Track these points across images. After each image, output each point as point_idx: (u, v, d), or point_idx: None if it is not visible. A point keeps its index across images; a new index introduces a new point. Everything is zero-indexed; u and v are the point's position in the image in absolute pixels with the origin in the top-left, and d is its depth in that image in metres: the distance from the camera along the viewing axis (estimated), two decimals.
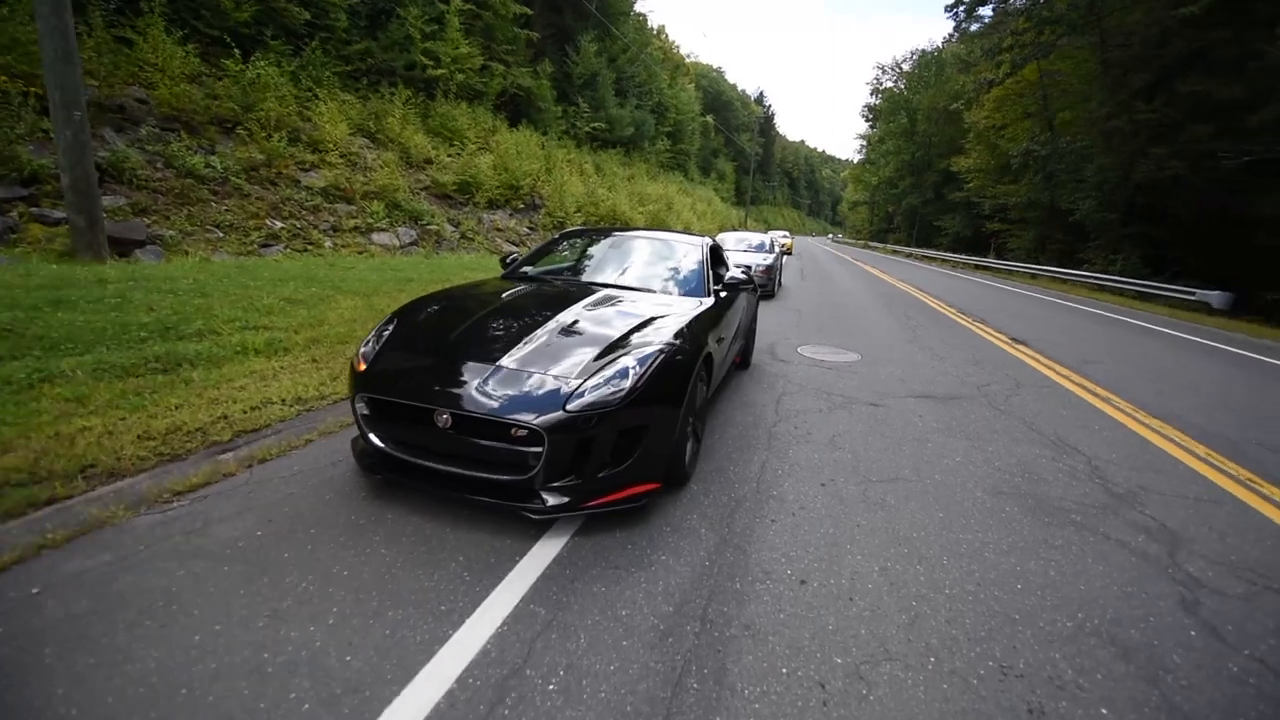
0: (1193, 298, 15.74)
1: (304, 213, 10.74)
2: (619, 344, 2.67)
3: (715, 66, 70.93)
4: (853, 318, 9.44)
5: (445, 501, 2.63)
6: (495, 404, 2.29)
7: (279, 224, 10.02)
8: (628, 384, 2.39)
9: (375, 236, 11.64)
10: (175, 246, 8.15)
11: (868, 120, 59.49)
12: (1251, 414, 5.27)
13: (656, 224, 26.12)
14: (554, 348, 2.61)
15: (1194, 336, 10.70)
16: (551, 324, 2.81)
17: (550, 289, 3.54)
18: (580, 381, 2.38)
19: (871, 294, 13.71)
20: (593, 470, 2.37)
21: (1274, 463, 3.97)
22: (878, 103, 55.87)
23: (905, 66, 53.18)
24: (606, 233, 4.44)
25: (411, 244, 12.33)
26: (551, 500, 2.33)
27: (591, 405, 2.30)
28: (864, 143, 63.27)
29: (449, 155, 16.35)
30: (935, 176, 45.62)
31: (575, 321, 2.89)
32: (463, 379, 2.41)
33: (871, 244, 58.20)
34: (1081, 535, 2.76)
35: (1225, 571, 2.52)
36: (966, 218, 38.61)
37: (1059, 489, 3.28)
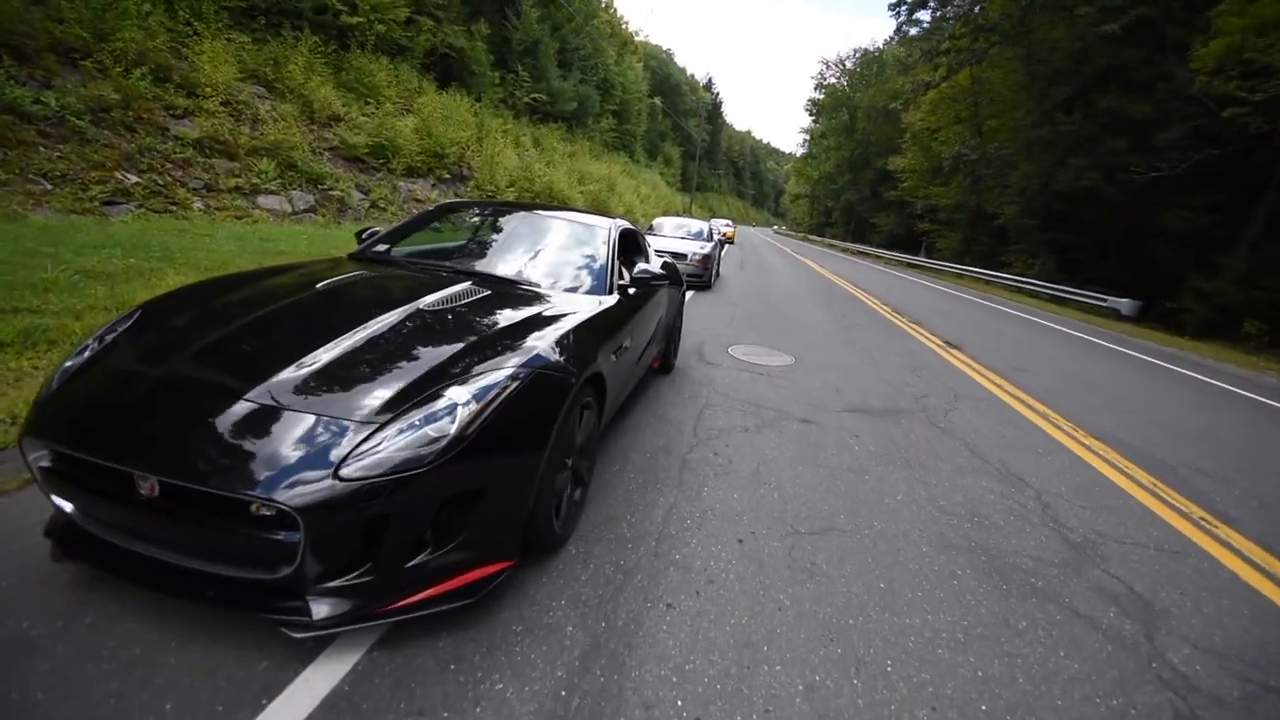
0: (1104, 304, 16.57)
1: (169, 166, 9.08)
2: (461, 363, 1.86)
3: (665, 48, 69.68)
4: (789, 314, 8.99)
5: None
6: (226, 467, 1.44)
7: (133, 178, 8.38)
8: (452, 430, 1.60)
9: (262, 200, 10.10)
10: None
11: (811, 114, 60.34)
12: (1180, 432, 5.12)
13: (597, 205, 25.07)
14: (353, 370, 1.76)
15: (1110, 344, 11.03)
16: (366, 331, 1.95)
17: (395, 278, 2.66)
18: (373, 428, 1.56)
19: (808, 288, 13.43)
20: (396, 557, 1.57)
21: (1218, 494, 3.70)
22: (821, 98, 56.66)
23: (849, 64, 54.10)
24: (496, 208, 3.58)
25: (308, 210, 10.84)
26: (323, 609, 1.51)
27: (387, 467, 1.49)
28: (807, 136, 64.29)
29: (364, 114, 14.67)
30: (872, 175, 46.82)
31: (406, 328, 2.04)
32: (189, 421, 1.54)
33: (811, 237, 59.43)
34: (1046, 611, 2.24)
35: (1214, 664, 2.06)
36: (900, 216, 39.85)
37: (1013, 538, 2.78)
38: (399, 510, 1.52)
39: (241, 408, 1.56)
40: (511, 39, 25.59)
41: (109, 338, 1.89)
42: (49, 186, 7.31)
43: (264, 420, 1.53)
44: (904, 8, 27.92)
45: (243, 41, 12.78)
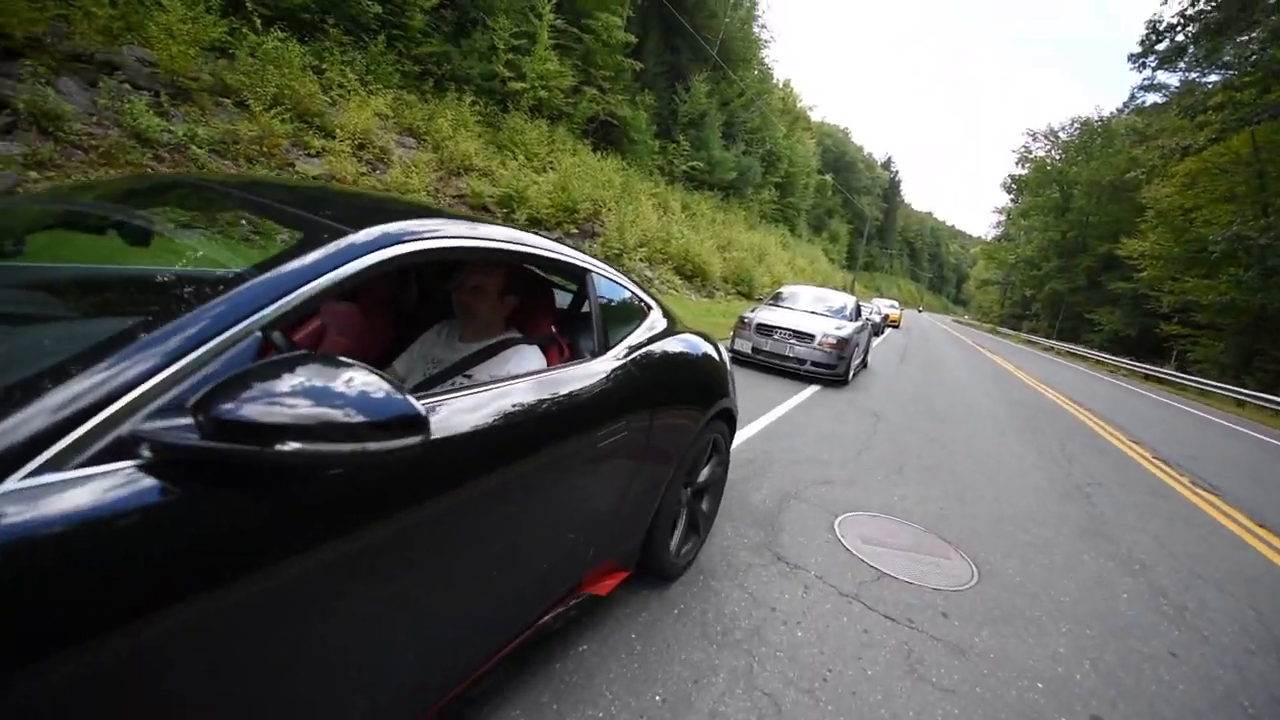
0: None
1: None
2: None
3: (841, 127, 67.55)
4: (968, 446, 5.69)
5: None
6: None
7: None
8: None
9: None
10: None
11: (1010, 192, 52.89)
12: None
13: (739, 274, 22.82)
14: None
15: None
16: None
17: None
18: None
19: (1001, 399, 9.54)
20: None
21: None
22: (1024, 173, 49.43)
23: (1063, 135, 46.64)
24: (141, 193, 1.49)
25: None
26: None
27: None
28: (1003, 216, 56.39)
29: (503, 169, 14.60)
30: (1091, 261, 38.60)
31: None
32: None
33: (1002, 329, 50.59)
34: None
35: None
36: (1132, 313, 31.63)
37: None
38: None
39: None
40: (678, 111, 25.45)
41: None
42: None
43: None
44: (1154, 57, 22.37)
45: (409, 100, 13.56)
